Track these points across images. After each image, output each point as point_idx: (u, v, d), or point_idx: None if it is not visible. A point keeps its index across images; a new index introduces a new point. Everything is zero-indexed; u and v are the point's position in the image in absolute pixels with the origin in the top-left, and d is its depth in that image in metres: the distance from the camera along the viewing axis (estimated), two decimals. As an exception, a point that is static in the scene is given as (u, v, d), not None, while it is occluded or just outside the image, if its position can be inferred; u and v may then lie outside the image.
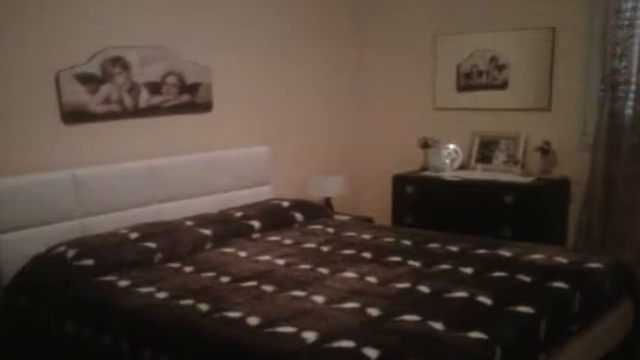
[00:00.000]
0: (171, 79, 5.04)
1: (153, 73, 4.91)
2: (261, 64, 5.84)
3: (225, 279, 3.66)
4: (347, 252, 4.18)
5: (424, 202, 5.85)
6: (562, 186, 5.53)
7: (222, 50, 5.46)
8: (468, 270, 3.70)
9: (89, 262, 3.79)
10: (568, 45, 5.54)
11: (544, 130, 5.65)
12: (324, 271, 3.77)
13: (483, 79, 6.10)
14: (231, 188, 5.34)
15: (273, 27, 5.92)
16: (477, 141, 6.07)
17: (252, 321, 2.99)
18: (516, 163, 5.74)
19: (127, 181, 4.61)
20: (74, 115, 4.46)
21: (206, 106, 5.33)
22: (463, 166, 6.07)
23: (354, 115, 6.92)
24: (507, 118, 5.95)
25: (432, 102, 6.46)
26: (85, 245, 3.95)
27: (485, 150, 6.02)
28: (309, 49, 6.33)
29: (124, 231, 4.25)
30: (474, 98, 6.18)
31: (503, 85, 5.98)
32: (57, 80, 4.35)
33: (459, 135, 6.16)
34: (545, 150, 5.52)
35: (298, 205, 5.24)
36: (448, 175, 5.85)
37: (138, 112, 4.84)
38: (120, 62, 4.69)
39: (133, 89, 4.79)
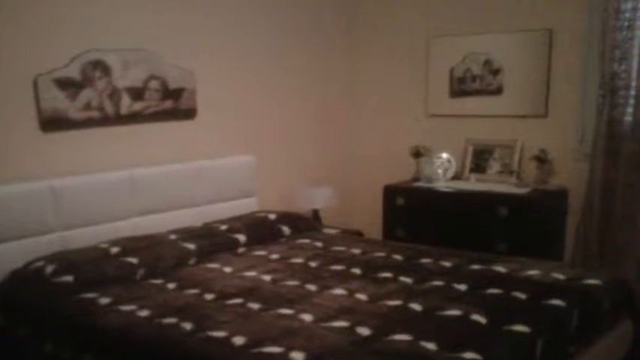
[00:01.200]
0: (154, 84, 5.05)
1: (135, 78, 4.92)
2: (246, 69, 5.85)
3: (209, 296, 3.67)
4: (336, 267, 4.20)
5: (416, 214, 5.87)
6: (559, 197, 5.56)
7: (207, 54, 5.47)
8: (462, 287, 3.72)
9: (69, 278, 3.80)
10: (566, 47, 5.57)
11: (540, 137, 5.68)
12: (312, 287, 3.79)
13: (477, 84, 6.13)
14: (215, 200, 5.35)
15: (260, 30, 5.93)
16: (470, 149, 6.10)
17: (238, 340, 3.00)
18: (511, 173, 5.77)
19: (108, 192, 4.60)
20: (53, 123, 4.44)
21: (190, 113, 5.34)
22: (456, 177, 6.09)
23: (343, 123, 6.95)
24: (502, 125, 5.97)
25: (424, 108, 6.49)
26: (65, 260, 3.96)
27: (479, 159, 6.04)
28: (298, 53, 6.34)
29: (105, 245, 4.25)
30: (468, 104, 6.22)
31: (498, 91, 6.01)
32: (35, 85, 4.33)
33: (452, 143, 6.19)
34: (541, 159, 5.56)
35: (285, 217, 5.25)
36: (441, 185, 5.88)
37: (119, 119, 4.84)
38: (100, 66, 4.69)
39: (114, 95, 4.79)
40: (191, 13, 5.33)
